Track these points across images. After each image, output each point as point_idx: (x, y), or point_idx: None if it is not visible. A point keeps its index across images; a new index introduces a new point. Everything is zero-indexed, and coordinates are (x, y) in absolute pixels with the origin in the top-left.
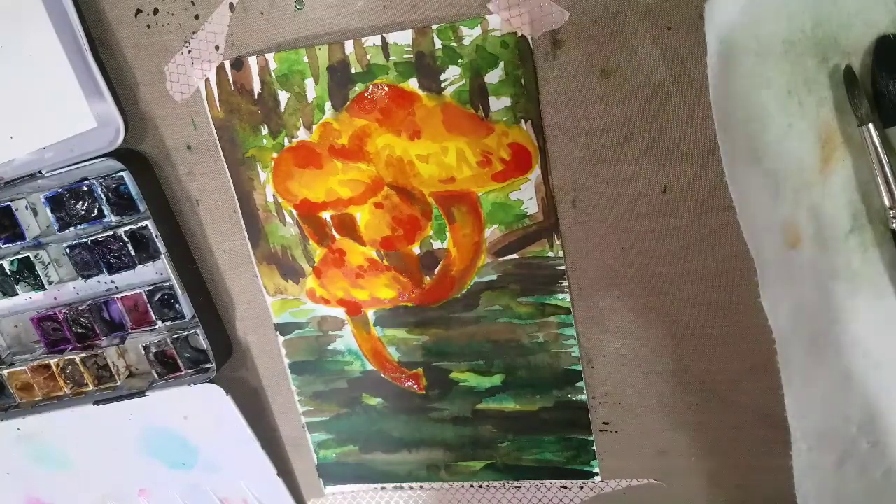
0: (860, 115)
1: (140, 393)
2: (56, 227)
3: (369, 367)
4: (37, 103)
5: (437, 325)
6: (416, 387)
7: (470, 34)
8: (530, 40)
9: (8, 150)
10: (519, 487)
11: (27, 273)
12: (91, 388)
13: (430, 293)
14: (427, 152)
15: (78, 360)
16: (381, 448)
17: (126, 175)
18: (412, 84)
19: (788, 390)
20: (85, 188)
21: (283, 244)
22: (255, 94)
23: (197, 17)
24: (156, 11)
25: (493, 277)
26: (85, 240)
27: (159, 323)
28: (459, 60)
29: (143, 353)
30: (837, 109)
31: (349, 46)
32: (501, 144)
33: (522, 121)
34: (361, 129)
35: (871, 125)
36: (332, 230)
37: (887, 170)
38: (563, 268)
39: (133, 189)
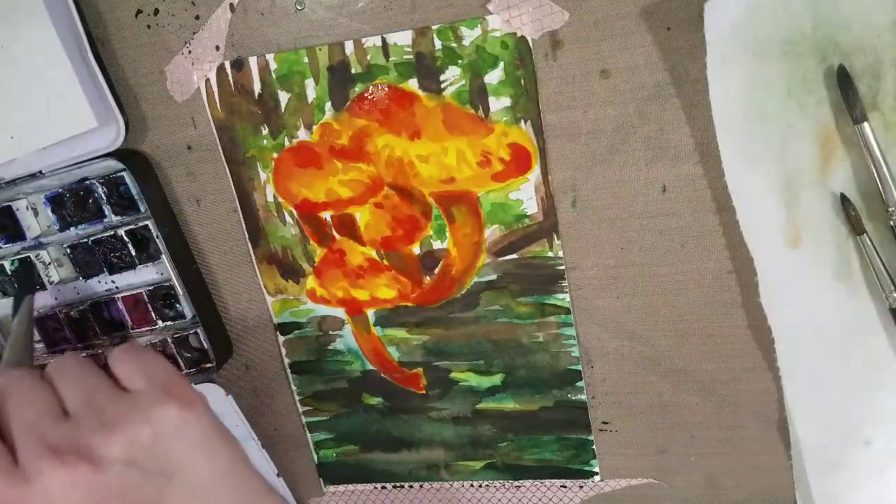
0: (855, 113)
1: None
2: (56, 227)
3: (369, 366)
4: (37, 103)
5: (437, 325)
6: (416, 387)
7: (470, 35)
8: (530, 41)
9: (8, 150)
10: (519, 487)
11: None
12: None
13: (430, 293)
14: (427, 152)
15: None
16: (381, 448)
17: (126, 175)
18: (412, 84)
19: (788, 390)
20: (85, 188)
21: (283, 244)
22: (256, 94)
23: (197, 17)
24: (156, 12)
25: (493, 277)
26: (85, 240)
27: (160, 323)
28: (459, 61)
29: None
30: (836, 109)
31: (349, 47)
32: (501, 145)
33: (522, 121)
34: (361, 130)
35: (866, 123)
36: (332, 230)
37: (884, 168)
38: (562, 268)
39: (133, 189)
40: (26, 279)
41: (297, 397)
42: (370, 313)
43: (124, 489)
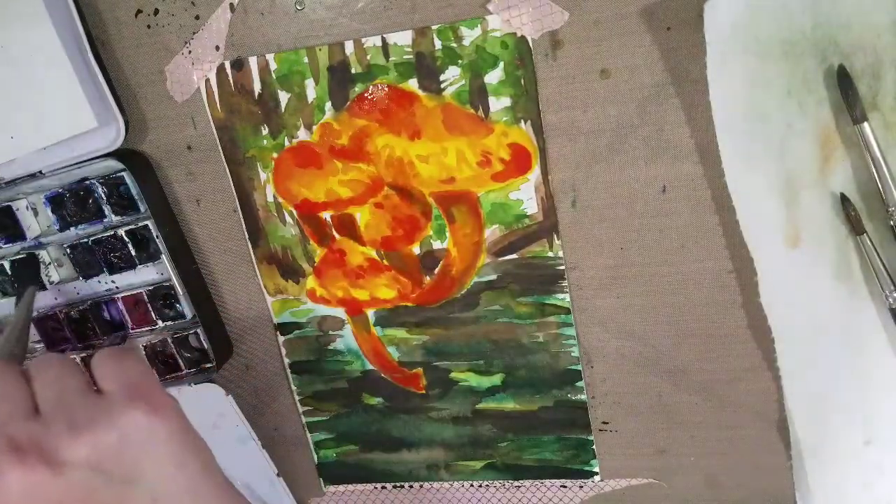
0: (855, 114)
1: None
2: (56, 227)
3: (369, 366)
4: (37, 103)
5: (437, 325)
6: (416, 387)
7: (470, 34)
8: (530, 41)
9: (8, 150)
10: (519, 487)
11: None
12: None
13: (430, 293)
14: (427, 152)
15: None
16: (381, 447)
17: (126, 175)
18: (412, 84)
19: (788, 390)
20: (85, 188)
21: (284, 244)
22: (256, 94)
23: (197, 17)
24: (156, 12)
25: (493, 277)
26: (85, 240)
27: (160, 323)
28: (459, 61)
29: (144, 352)
30: (836, 109)
31: (349, 47)
32: (501, 145)
33: (522, 121)
34: (361, 130)
35: (866, 123)
36: (332, 230)
37: (884, 168)
38: (562, 268)
39: (133, 189)
40: (29, 271)
41: (297, 397)
42: (370, 313)
43: (85, 494)
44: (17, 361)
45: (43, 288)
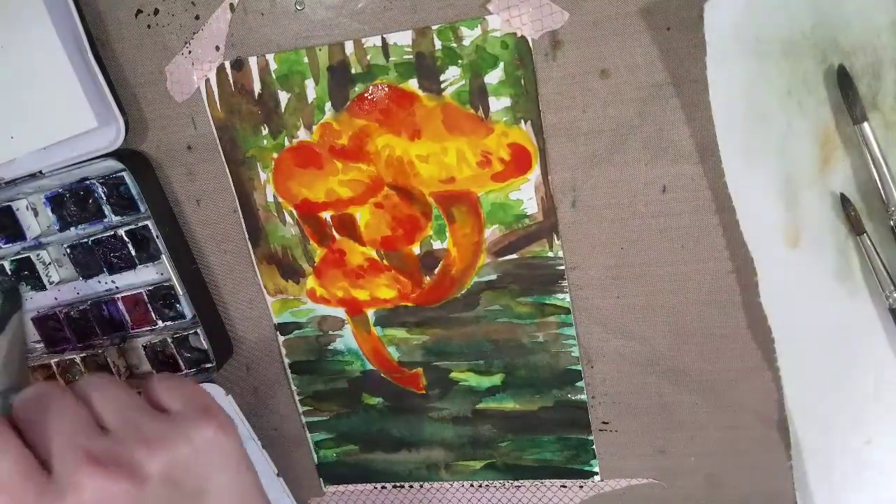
0: (855, 114)
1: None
2: (56, 227)
3: (369, 366)
4: (37, 103)
5: (437, 325)
6: (416, 387)
7: (470, 34)
8: (530, 41)
9: (8, 150)
10: (519, 487)
11: (27, 273)
12: None
13: (430, 293)
14: (427, 152)
15: (78, 359)
16: (381, 447)
17: (126, 175)
18: (412, 84)
19: (788, 390)
20: (85, 188)
21: (284, 244)
22: (256, 94)
23: (197, 17)
24: (156, 12)
25: (493, 277)
26: (85, 240)
27: (160, 323)
28: (459, 61)
29: (144, 352)
30: (836, 109)
31: (349, 47)
32: (501, 145)
33: (522, 121)
34: (361, 130)
35: (866, 123)
36: (332, 230)
37: (884, 168)
38: (562, 268)
39: (133, 189)
40: (12, 294)
41: (297, 397)
42: (370, 313)
43: None
44: (13, 392)
45: (43, 288)
